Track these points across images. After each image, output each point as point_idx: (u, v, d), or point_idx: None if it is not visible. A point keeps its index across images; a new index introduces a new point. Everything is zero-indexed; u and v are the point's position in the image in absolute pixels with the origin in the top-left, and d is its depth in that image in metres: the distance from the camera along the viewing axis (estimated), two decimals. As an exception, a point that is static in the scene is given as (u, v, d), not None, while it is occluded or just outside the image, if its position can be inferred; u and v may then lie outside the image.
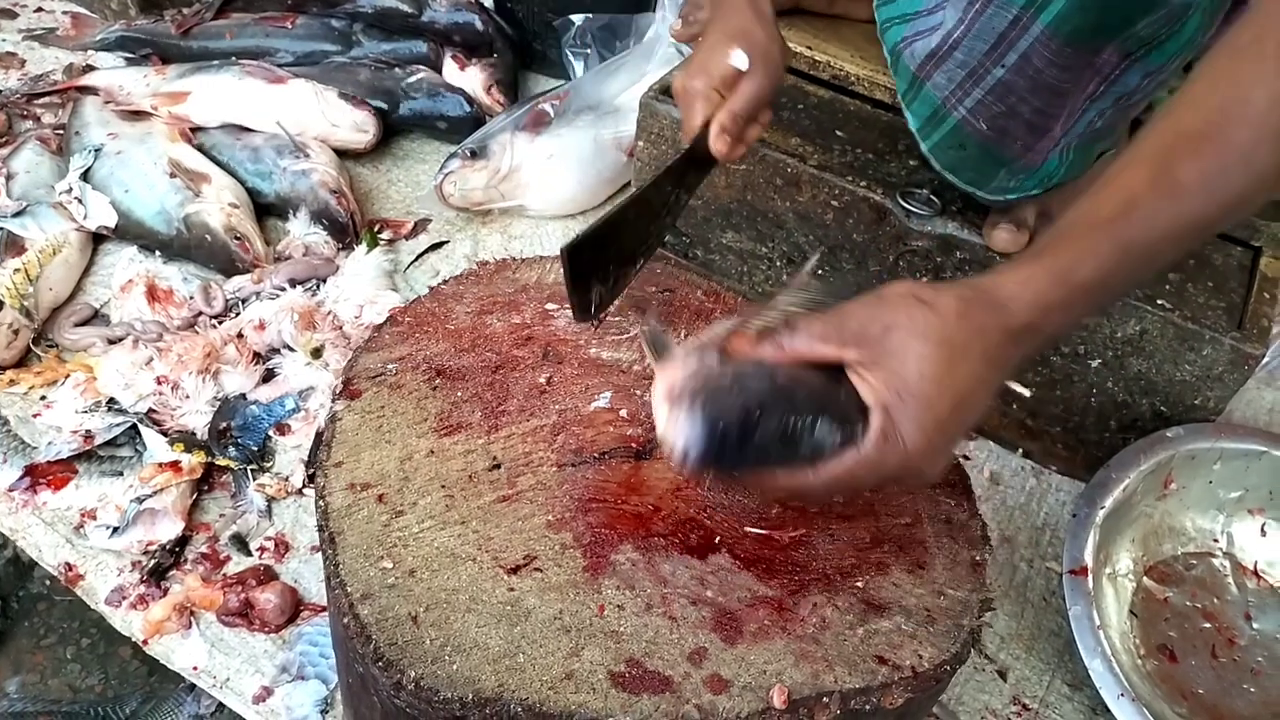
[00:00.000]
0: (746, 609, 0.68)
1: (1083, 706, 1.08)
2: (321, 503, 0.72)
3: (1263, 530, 1.15)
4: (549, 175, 1.58)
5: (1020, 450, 1.33)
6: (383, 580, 0.68)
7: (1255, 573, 1.15)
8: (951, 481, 0.79)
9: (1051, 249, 0.66)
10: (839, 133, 1.35)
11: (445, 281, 0.91)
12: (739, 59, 0.90)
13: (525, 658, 0.64)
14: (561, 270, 0.80)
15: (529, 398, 0.81)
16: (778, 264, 1.38)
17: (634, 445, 0.78)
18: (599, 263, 0.82)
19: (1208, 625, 1.12)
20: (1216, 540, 1.16)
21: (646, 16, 1.80)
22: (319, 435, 1.24)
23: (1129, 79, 0.93)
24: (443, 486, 0.74)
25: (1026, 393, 1.27)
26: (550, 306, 0.89)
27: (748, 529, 0.73)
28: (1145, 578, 1.14)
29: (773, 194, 1.30)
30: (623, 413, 0.80)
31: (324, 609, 1.09)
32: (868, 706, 0.64)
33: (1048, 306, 0.64)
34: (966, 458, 1.33)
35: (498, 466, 0.76)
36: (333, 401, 0.80)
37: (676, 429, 0.63)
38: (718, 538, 0.72)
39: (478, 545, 0.70)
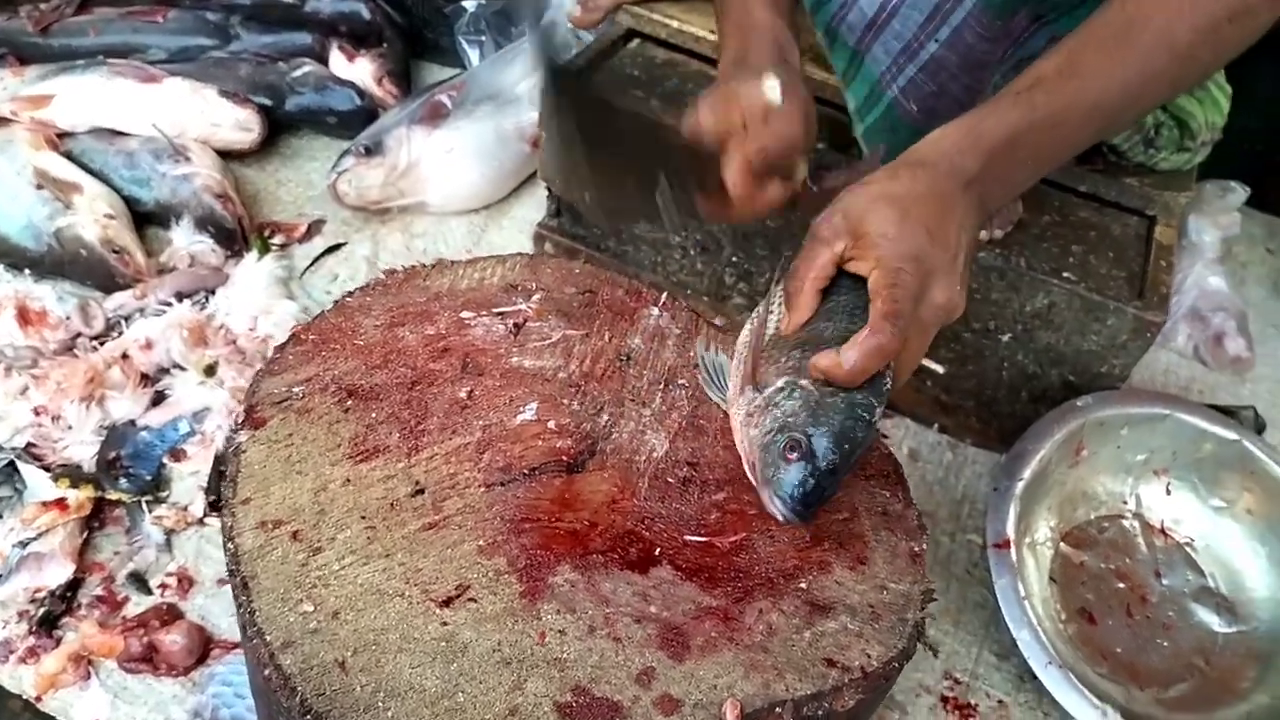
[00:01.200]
0: (692, 622, 0.66)
1: (1011, 675, 1.10)
2: (230, 545, 0.67)
3: (1168, 489, 1.19)
4: (449, 169, 1.52)
5: (936, 425, 1.35)
6: (304, 625, 0.63)
7: (1162, 531, 1.19)
8: (884, 471, 0.79)
9: (968, 114, 0.77)
10: (744, 117, 1.33)
11: (350, 293, 0.86)
12: (772, 88, 0.80)
13: (465, 696, 0.61)
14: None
15: (450, 414, 0.77)
16: (691, 253, 1.36)
17: (565, 458, 0.75)
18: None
19: (1122, 585, 1.15)
20: (1126, 502, 1.20)
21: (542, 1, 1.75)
22: (218, 459, 1.16)
23: (1035, 42, 0.94)
24: (363, 517, 0.70)
25: (940, 369, 1.30)
26: (465, 314, 0.85)
27: (687, 537, 0.71)
28: (1062, 544, 1.17)
29: (682, 182, 1.28)
30: (550, 424, 0.77)
31: (236, 645, 1.03)
32: (820, 712, 0.63)
33: (960, 149, 0.74)
34: (885, 436, 1.34)
35: (421, 491, 0.72)
36: (234, 432, 0.74)
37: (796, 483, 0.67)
38: (658, 549, 0.70)
39: (405, 579, 0.66)
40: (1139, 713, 1.00)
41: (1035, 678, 1.00)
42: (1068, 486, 1.18)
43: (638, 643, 0.65)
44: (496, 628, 0.64)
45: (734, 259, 1.33)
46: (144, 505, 1.12)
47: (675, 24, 1.40)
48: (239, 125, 1.54)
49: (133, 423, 1.19)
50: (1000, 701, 1.07)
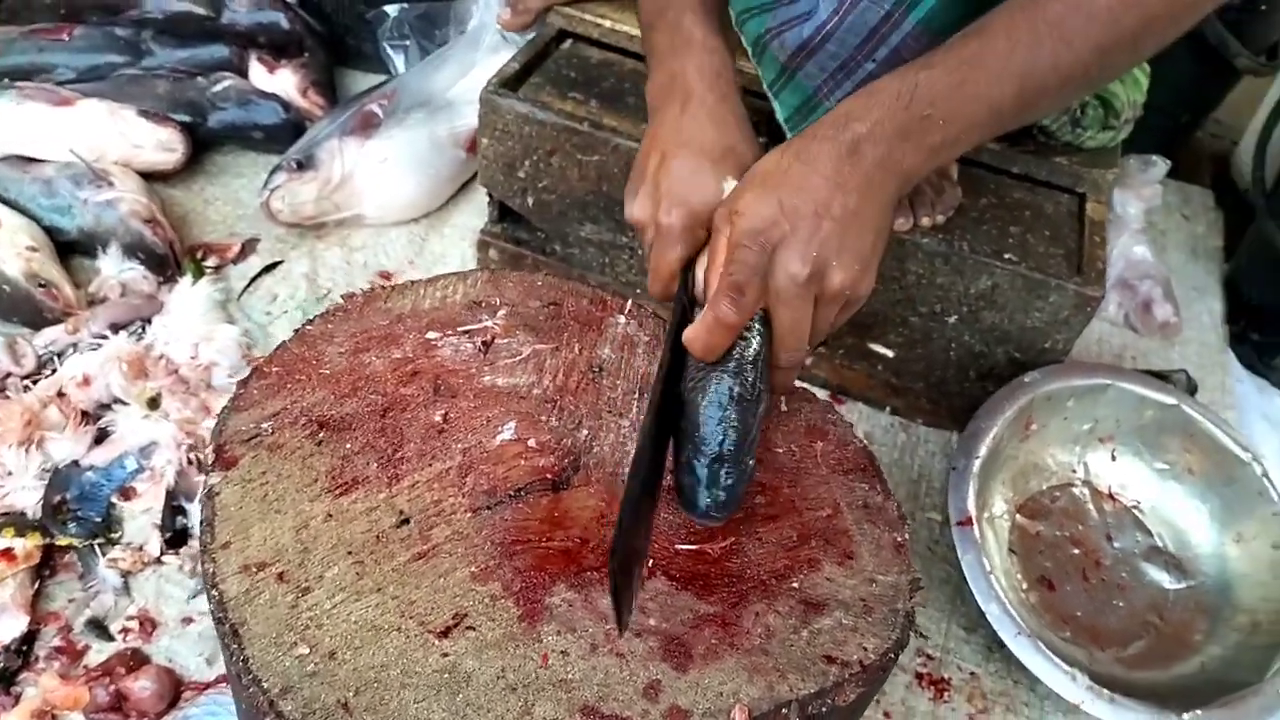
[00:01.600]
0: (692, 631, 0.67)
1: (980, 646, 1.14)
2: (215, 592, 0.65)
3: (1113, 456, 1.24)
4: (385, 180, 1.50)
5: (888, 408, 1.38)
6: (301, 669, 0.62)
7: (1110, 496, 1.24)
8: (861, 465, 0.80)
9: (851, 97, 0.75)
10: (684, 115, 1.34)
11: (310, 321, 0.84)
12: (731, 190, 0.76)
13: (474, 726, 0.60)
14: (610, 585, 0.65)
15: (427, 439, 0.76)
16: (639, 253, 1.36)
17: (549, 476, 0.74)
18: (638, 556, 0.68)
19: (1076, 551, 1.20)
20: (1075, 471, 1.25)
21: (464, 2, 1.72)
22: (170, 495, 1.13)
23: None
24: (349, 553, 0.68)
25: (890, 353, 1.33)
26: (431, 335, 0.84)
27: (678, 547, 0.71)
28: (1018, 515, 1.21)
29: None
30: (531, 442, 0.76)
31: (207, 686, 1.01)
32: (824, 709, 0.64)
33: (853, 112, 0.72)
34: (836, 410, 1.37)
35: (406, 521, 0.70)
36: (206, 475, 0.72)
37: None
38: (651, 560, 0.70)
39: (400, 612, 0.65)
40: (1102, 673, 1.04)
41: (1003, 647, 1.03)
42: (1020, 460, 1.22)
43: (641, 657, 0.65)
44: (498, 654, 0.64)
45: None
46: (96, 548, 1.08)
47: (608, 24, 1.40)
48: (162, 145, 1.49)
49: (76, 463, 1.14)
50: (972, 673, 1.11)
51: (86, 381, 1.18)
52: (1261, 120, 1.66)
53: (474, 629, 0.65)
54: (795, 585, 0.70)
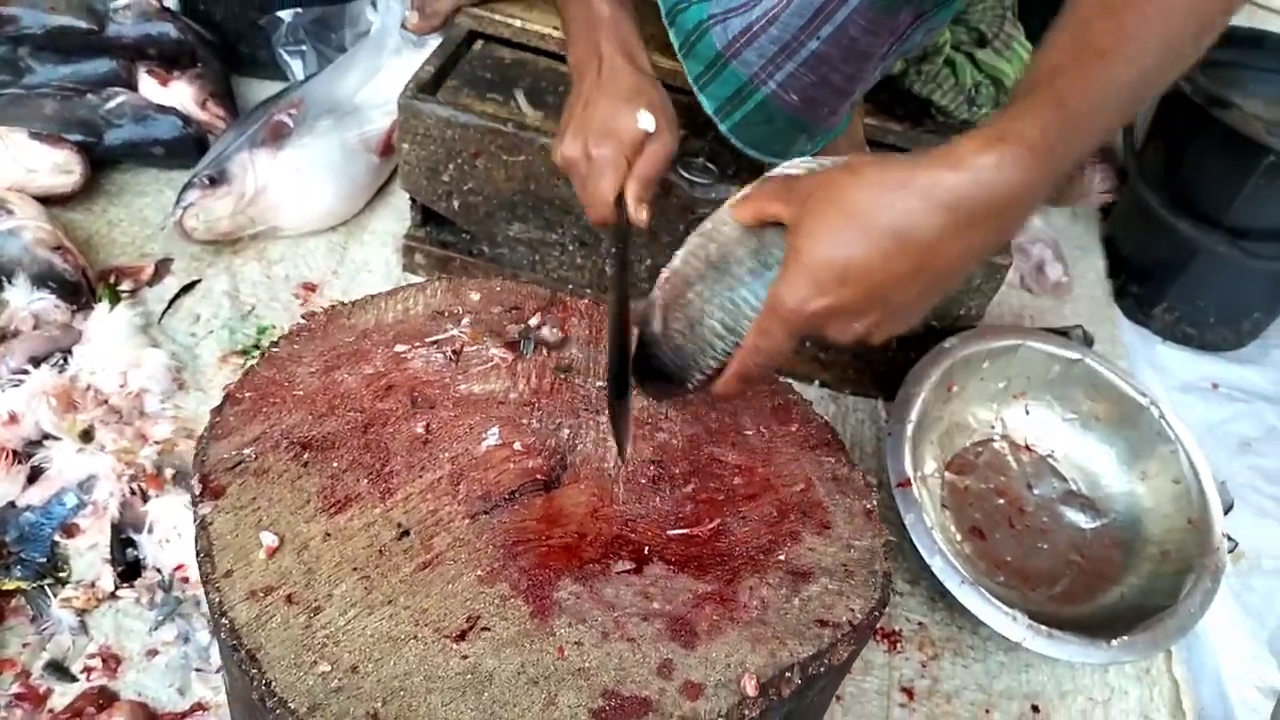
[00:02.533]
0: (694, 610, 0.71)
1: (923, 598, 1.22)
2: (225, 621, 0.65)
3: (1026, 410, 1.34)
4: (300, 190, 1.47)
5: (817, 382, 1.45)
6: (325, 685, 0.63)
7: (1027, 447, 1.34)
8: (825, 440, 0.85)
9: (992, 119, 0.65)
10: (604, 111, 1.37)
11: (275, 343, 0.84)
12: (647, 120, 0.89)
13: (503, 722, 0.63)
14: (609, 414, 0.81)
15: (413, 452, 0.77)
16: (570, 248, 1.38)
17: (539, 476, 0.77)
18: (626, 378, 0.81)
19: (1001, 501, 1.29)
20: (994, 427, 1.34)
21: (357, 5, 1.70)
22: (115, 528, 1.10)
23: (915, 36, 1.00)
24: (355, 569, 0.69)
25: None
26: (400, 348, 0.85)
27: (670, 532, 0.75)
28: (947, 472, 1.30)
29: (556, 181, 1.30)
30: (516, 445, 0.79)
31: (183, 716, 0.99)
32: (822, 669, 0.69)
33: (985, 167, 0.62)
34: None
35: (406, 533, 0.72)
36: (194, 506, 0.72)
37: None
38: (646, 548, 0.74)
39: (413, 621, 0.67)
40: (1036, 611, 1.13)
41: (944, 597, 1.11)
42: (945, 421, 1.30)
43: (650, 639, 0.69)
44: (516, 651, 0.67)
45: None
46: (46, 589, 1.04)
47: (518, 23, 1.41)
48: (58, 168, 1.42)
49: (12, 504, 1.10)
50: (920, 624, 1.19)
51: (14, 419, 1.13)
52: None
53: (489, 629, 0.67)
54: (781, 558, 0.75)
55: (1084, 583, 1.21)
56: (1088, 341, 1.45)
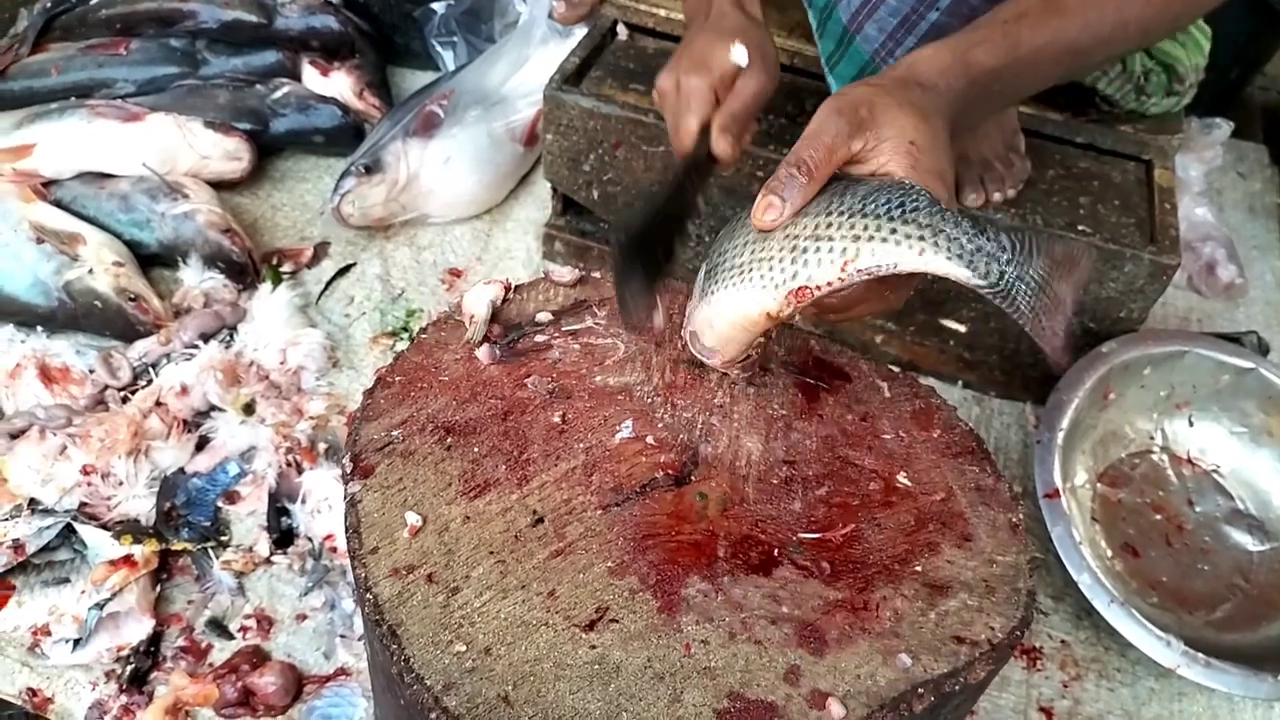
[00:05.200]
0: (824, 617, 0.69)
1: (1068, 615, 1.16)
2: (370, 596, 0.68)
3: (1190, 421, 1.26)
4: (449, 179, 1.52)
5: (960, 382, 1.39)
6: (460, 665, 0.65)
7: (1190, 461, 1.25)
8: (969, 448, 0.82)
9: (958, 34, 0.80)
10: (747, 101, 1.35)
11: (424, 330, 0.87)
12: (740, 54, 0.86)
13: (629, 715, 0.63)
14: (612, 263, 0.78)
15: (549, 440, 0.79)
16: (707, 240, 1.37)
17: (671, 471, 0.77)
18: (648, 257, 0.78)
19: (1158, 517, 1.21)
20: (1153, 438, 1.26)
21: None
22: (273, 496, 1.17)
23: None
24: (491, 553, 0.71)
25: (963, 329, 1.35)
26: (540, 339, 0.86)
27: (801, 535, 0.74)
28: (1099, 484, 1.23)
29: (696, 173, 1.29)
30: (649, 439, 0.79)
31: (328, 679, 1.05)
32: (957, 687, 0.67)
33: (946, 71, 0.77)
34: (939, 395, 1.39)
35: (540, 520, 0.73)
36: (345, 483, 0.75)
37: None
38: (776, 550, 0.73)
39: (545, 608, 0.69)
40: (1192, 637, 1.06)
41: (1091, 615, 1.05)
42: (1099, 429, 1.23)
43: (778, 643, 0.68)
44: (643, 645, 0.67)
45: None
46: (209, 552, 1.12)
47: (663, 12, 1.41)
48: (228, 155, 1.52)
49: (182, 470, 1.18)
50: (1063, 641, 1.13)
51: (184, 391, 1.22)
52: (1316, 74, 1.65)
53: (617, 621, 0.68)
54: (918, 569, 0.73)
55: (1248, 609, 1.13)
56: (1263, 349, 1.34)
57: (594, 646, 0.67)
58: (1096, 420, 1.22)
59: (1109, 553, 1.17)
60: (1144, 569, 1.16)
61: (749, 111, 0.88)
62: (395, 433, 0.78)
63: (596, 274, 0.94)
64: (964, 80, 0.78)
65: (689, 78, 0.87)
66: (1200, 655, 1.00)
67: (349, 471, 0.75)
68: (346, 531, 0.72)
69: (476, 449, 0.78)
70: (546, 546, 0.72)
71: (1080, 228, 1.19)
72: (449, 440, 0.78)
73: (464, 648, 0.66)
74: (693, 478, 0.77)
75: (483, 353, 0.83)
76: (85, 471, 1.14)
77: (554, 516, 0.74)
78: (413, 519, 0.72)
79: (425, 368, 0.83)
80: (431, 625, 0.67)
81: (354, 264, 1.49)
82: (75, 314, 1.30)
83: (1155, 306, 1.52)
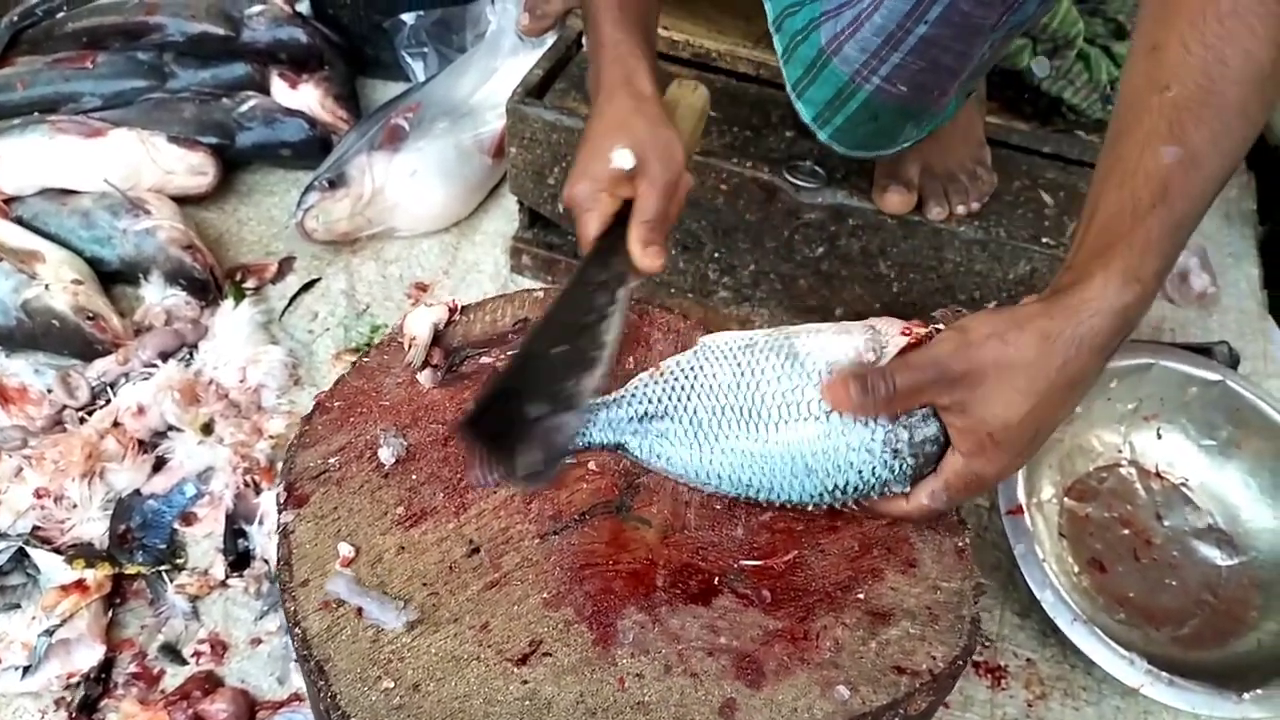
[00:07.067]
0: (762, 647, 0.68)
1: (1034, 632, 1.14)
2: (298, 630, 0.67)
3: (1158, 434, 1.24)
4: (415, 192, 1.51)
5: (929, 395, 1.38)
6: (387, 703, 0.64)
7: (1158, 474, 1.24)
8: (918, 471, 0.81)
9: (1111, 249, 0.67)
10: (711, 113, 1.34)
11: (366, 353, 0.86)
12: (623, 158, 0.81)
13: (559, 752, 0.62)
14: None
15: (489, 468, 0.77)
16: (672, 253, 1.36)
17: (612, 498, 0.76)
18: (513, 416, 0.68)
19: (1126, 531, 1.20)
20: (1121, 451, 1.25)
21: (478, 6, 1.72)
22: (230, 518, 1.16)
23: (1028, 7, 0.93)
24: (424, 584, 0.70)
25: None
26: (485, 361, 0.85)
27: (742, 563, 0.73)
28: (1066, 499, 1.21)
29: (659, 186, 1.28)
30: (591, 465, 0.78)
31: (281, 705, 1.03)
32: (897, 718, 0.66)
33: (1126, 309, 0.67)
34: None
35: (476, 550, 0.72)
36: (278, 513, 0.74)
37: None
38: (716, 578, 0.72)
39: (478, 641, 0.67)
40: (1158, 653, 1.05)
41: (1058, 632, 1.04)
42: (1065, 443, 1.22)
43: (714, 675, 0.66)
44: (576, 679, 0.66)
45: (716, 254, 1.34)
46: (164, 575, 1.11)
47: (628, 24, 1.39)
48: (193, 170, 1.50)
49: (138, 492, 1.17)
50: (1028, 660, 1.12)
51: (141, 411, 1.21)
52: (1293, 80, 1.63)
53: (550, 655, 0.67)
54: (860, 596, 0.72)
55: (1216, 625, 1.11)
56: (1233, 360, 1.33)
57: (526, 681, 0.66)
58: (1063, 434, 1.21)
59: (1076, 568, 1.16)
60: (1111, 584, 1.15)
61: (659, 214, 0.83)
62: (332, 460, 0.77)
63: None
64: (1142, 304, 0.67)
65: (575, 187, 0.85)
66: (1164, 674, 0.99)
67: (282, 501, 0.74)
68: (278, 563, 0.71)
69: (415, 476, 0.77)
70: (482, 577, 0.71)
71: (1044, 239, 1.18)
72: (387, 467, 0.77)
73: (392, 684, 0.65)
74: (634, 504, 0.76)
75: (424, 377, 0.82)
76: (39, 494, 1.13)
77: (490, 546, 0.72)
78: (345, 550, 0.71)
79: (366, 392, 0.82)
80: (360, 660, 0.66)
81: (319, 279, 1.47)
82: (33, 333, 1.29)
83: (1128, 316, 1.52)
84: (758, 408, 0.72)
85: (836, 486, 0.72)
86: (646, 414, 0.75)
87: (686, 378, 0.75)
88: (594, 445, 0.77)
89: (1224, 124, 0.66)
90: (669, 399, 0.75)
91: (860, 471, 0.71)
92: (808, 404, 0.72)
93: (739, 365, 0.74)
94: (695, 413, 0.74)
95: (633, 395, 0.76)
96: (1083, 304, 0.66)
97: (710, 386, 0.74)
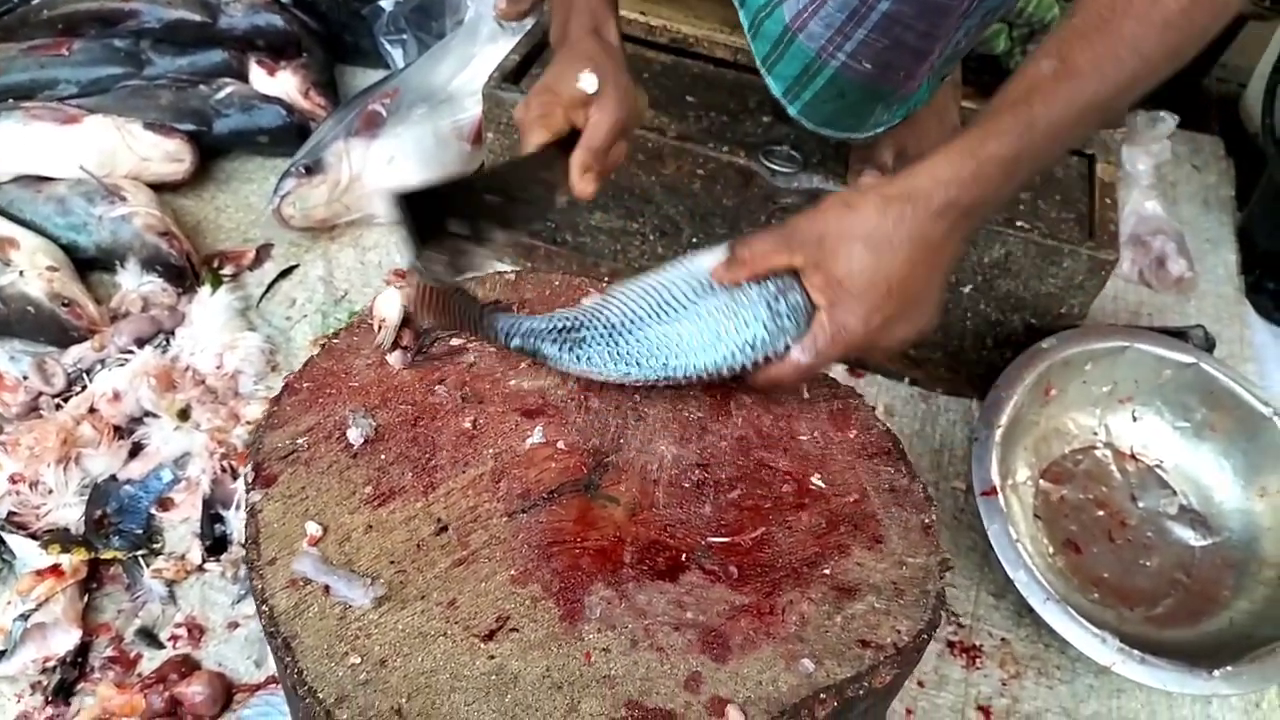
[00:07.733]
0: (728, 622, 0.68)
1: (1009, 612, 1.15)
2: (265, 608, 0.67)
3: (1133, 416, 1.25)
4: (393, 178, 1.50)
5: (907, 379, 1.39)
6: (354, 678, 0.64)
7: (1133, 456, 1.25)
8: (885, 449, 0.81)
9: (963, 132, 0.75)
10: (689, 98, 1.34)
11: (335, 335, 0.86)
12: (588, 81, 0.86)
13: (524, 726, 0.62)
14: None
15: (459, 447, 0.77)
16: (650, 238, 1.37)
17: (580, 477, 0.76)
18: (436, 219, 0.78)
19: (1101, 513, 1.21)
20: (1096, 433, 1.26)
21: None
22: (207, 503, 1.15)
23: None
24: (392, 562, 0.70)
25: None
26: (455, 343, 0.85)
27: (710, 539, 0.73)
28: (1042, 481, 1.22)
29: (637, 170, 1.28)
30: (560, 444, 0.78)
31: (258, 688, 1.03)
32: (861, 692, 0.66)
33: (959, 181, 0.73)
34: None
35: (445, 529, 0.72)
36: (246, 491, 0.74)
37: None
38: (684, 555, 0.72)
39: (444, 618, 0.67)
40: (1132, 633, 1.06)
41: (1032, 612, 1.04)
42: (1041, 426, 1.23)
43: (680, 650, 0.67)
44: (542, 654, 0.66)
45: (694, 239, 1.35)
46: (140, 560, 1.10)
47: (606, 9, 1.39)
48: (169, 157, 1.50)
49: (114, 478, 1.17)
50: (1003, 639, 1.13)
51: (117, 397, 1.20)
52: (1269, 64, 1.64)
53: (517, 630, 0.67)
54: (827, 572, 0.72)
55: (1189, 605, 1.12)
56: (1209, 343, 1.34)
57: (492, 657, 0.66)
58: (1039, 416, 1.22)
59: (1051, 549, 1.16)
60: (1086, 565, 1.16)
61: (605, 145, 0.87)
62: (300, 440, 0.77)
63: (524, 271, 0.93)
64: (975, 183, 0.73)
65: (538, 98, 0.88)
66: (1136, 652, 1.00)
67: (250, 481, 0.74)
68: (245, 542, 0.71)
69: (383, 456, 0.76)
70: (449, 555, 0.71)
71: (1019, 223, 1.19)
72: (355, 448, 0.77)
73: (359, 660, 0.65)
74: (602, 482, 0.76)
75: (394, 358, 0.82)
76: (13, 480, 1.13)
77: (458, 524, 0.73)
78: (312, 528, 0.71)
79: (335, 373, 0.82)
80: (327, 637, 0.66)
81: (296, 266, 1.47)
82: (8, 319, 1.29)
83: (1106, 302, 1.53)
84: (666, 298, 0.80)
85: (738, 348, 0.78)
86: (564, 328, 0.81)
87: (600, 302, 0.83)
88: (513, 350, 0.83)
89: (1110, 51, 0.70)
90: (585, 316, 0.82)
91: (755, 332, 0.78)
92: (708, 284, 0.80)
93: (646, 281, 0.83)
94: (609, 319, 0.80)
95: (551, 315, 0.83)
96: (917, 173, 0.75)
97: (622, 300, 0.81)
